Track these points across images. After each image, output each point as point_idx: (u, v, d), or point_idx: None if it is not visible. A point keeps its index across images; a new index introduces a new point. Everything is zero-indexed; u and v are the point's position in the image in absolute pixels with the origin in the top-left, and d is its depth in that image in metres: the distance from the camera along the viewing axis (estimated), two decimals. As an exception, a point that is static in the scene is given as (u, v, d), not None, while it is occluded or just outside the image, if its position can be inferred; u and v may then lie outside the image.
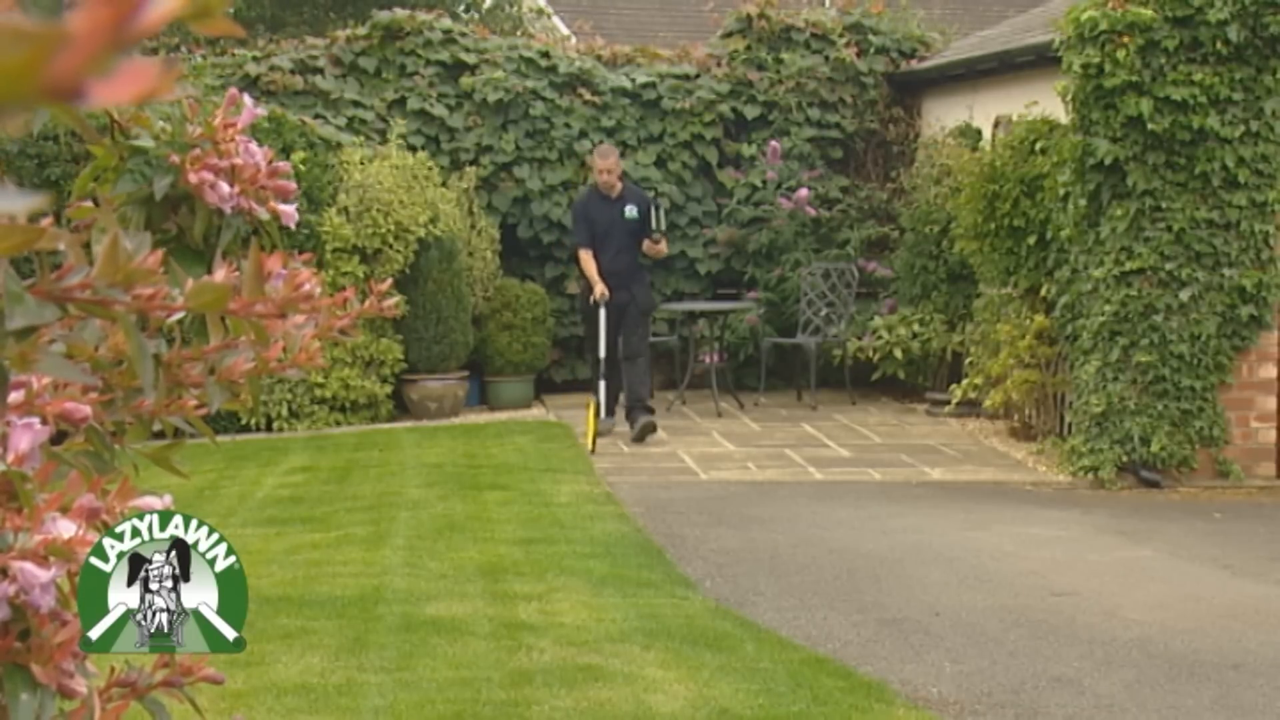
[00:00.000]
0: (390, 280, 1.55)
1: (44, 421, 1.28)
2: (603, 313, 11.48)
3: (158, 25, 0.69)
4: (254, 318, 1.23)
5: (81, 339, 1.26)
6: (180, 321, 1.37)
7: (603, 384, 11.59)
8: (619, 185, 11.72)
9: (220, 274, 1.26)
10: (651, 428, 11.54)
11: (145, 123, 1.59)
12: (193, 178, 1.55)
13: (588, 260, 11.53)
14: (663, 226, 11.53)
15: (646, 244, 11.58)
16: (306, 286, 1.24)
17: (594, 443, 11.05)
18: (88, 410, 1.30)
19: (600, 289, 11.41)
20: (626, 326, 11.59)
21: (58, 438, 1.35)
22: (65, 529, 1.25)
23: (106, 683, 1.42)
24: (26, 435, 1.26)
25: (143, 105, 1.60)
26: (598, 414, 11.24)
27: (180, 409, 1.39)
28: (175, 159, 1.58)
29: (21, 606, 1.24)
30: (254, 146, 1.59)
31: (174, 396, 1.38)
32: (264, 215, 1.60)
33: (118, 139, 1.59)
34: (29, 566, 1.21)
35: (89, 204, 1.57)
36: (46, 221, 1.14)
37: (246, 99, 1.62)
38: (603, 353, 11.52)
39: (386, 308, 1.42)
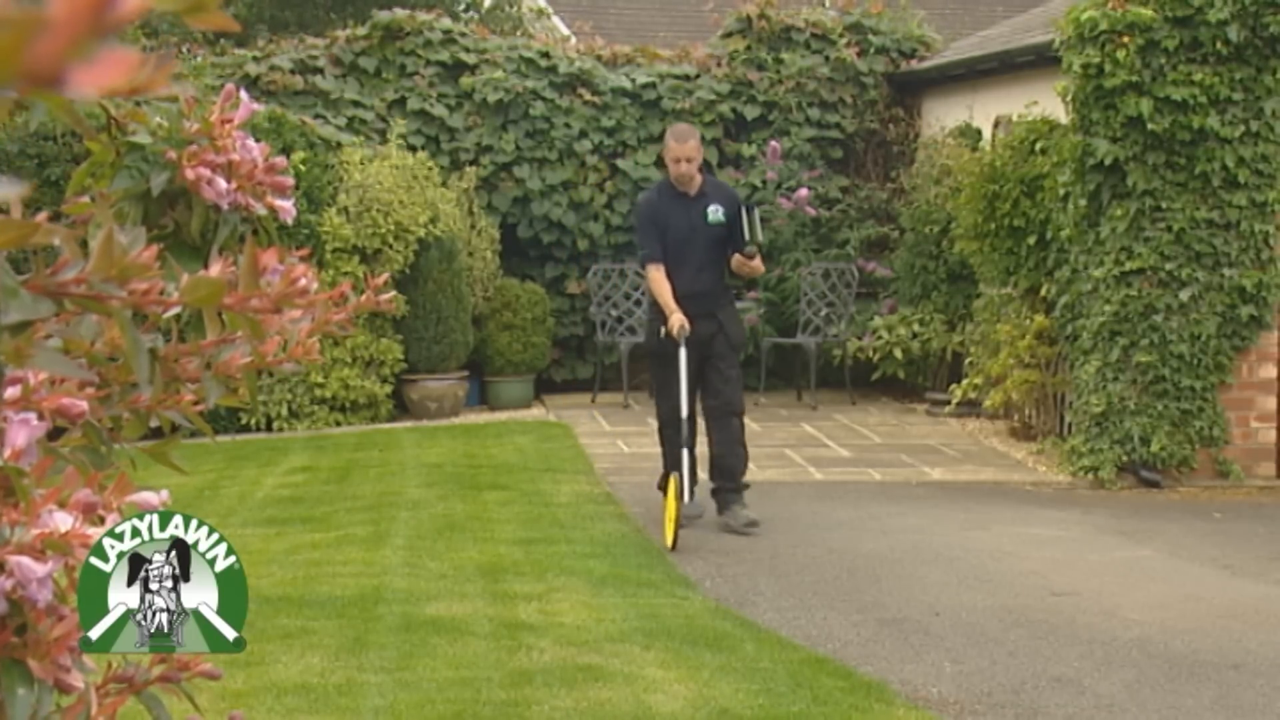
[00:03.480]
0: (387, 275, 1.55)
1: (41, 417, 1.28)
2: (683, 353, 8.31)
3: (137, 12, 0.69)
4: (249, 312, 1.23)
5: (78, 334, 1.26)
6: (177, 318, 1.37)
7: (685, 454, 8.32)
8: (699, 179, 8.62)
9: (216, 269, 1.26)
10: (754, 523, 8.57)
11: (142, 119, 1.59)
12: (189, 173, 1.55)
13: (660, 281, 8.45)
14: (759, 237, 8.41)
15: (736, 259, 8.47)
16: (302, 281, 1.24)
17: (675, 537, 8.05)
18: (84, 406, 1.30)
19: (678, 319, 8.28)
20: (713, 369, 8.52)
21: (54, 433, 1.34)
22: (62, 522, 1.25)
23: (104, 678, 1.42)
24: (23, 431, 1.26)
25: (140, 102, 1.60)
26: (679, 497, 8.11)
27: (177, 404, 1.39)
28: (172, 155, 1.58)
29: (18, 601, 1.24)
30: (251, 142, 1.59)
31: (171, 392, 1.37)
32: (261, 211, 1.60)
33: (114, 135, 1.59)
34: (26, 561, 1.21)
35: (85, 199, 1.57)
36: (42, 216, 1.14)
37: (243, 94, 1.62)
38: (685, 409, 8.33)
39: (383, 301, 1.42)
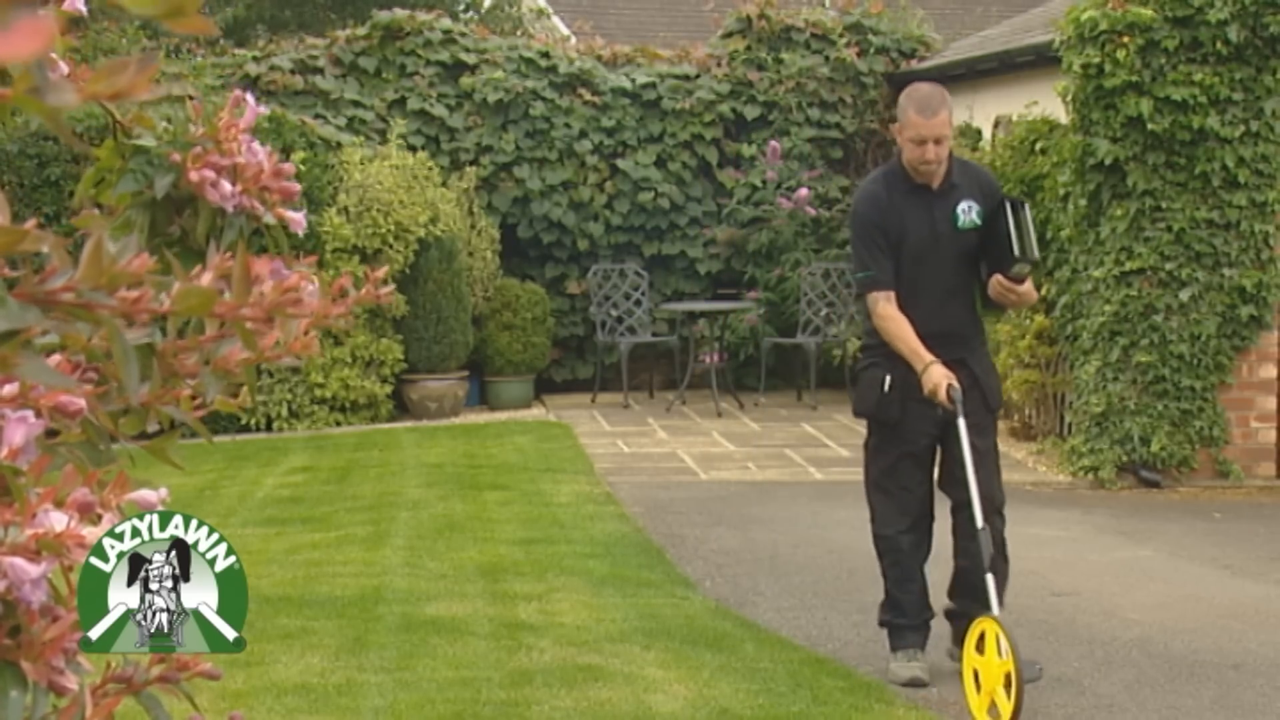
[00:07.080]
0: (386, 268, 1.54)
1: (38, 414, 1.28)
2: (963, 424, 5.63)
3: None
4: (241, 321, 1.22)
5: (74, 329, 1.25)
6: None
7: (991, 579, 5.52)
8: (943, 170, 5.82)
9: (208, 276, 1.25)
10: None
11: (148, 123, 1.58)
12: (194, 175, 1.54)
13: (897, 320, 5.75)
14: (1035, 251, 5.70)
15: (997, 283, 5.72)
16: (296, 293, 1.23)
17: (1017, 710, 5.18)
18: (82, 403, 1.29)
19: (941, 375, 5.61)
20: (973, 447, 5.66)
21: (52, 430, 1.34)
22: (58, 522, 1.24)
23: (103, 678, 1.42)
24: (21, 429, 1.25)
25: (144, 105, 1.60)
26: (1009, 645, 5.25)
27: (175, 399, 1.38)
28: (176, 158, 1.57)
29: (12, 602, 1.24)
30: (257, 145, 1.58)
31: (169, 387, 1.37)
32: (269, 219, 1.60)
33: (120, 139, 1.59)
34: (19, 562, 1.21)
35: (94, 212, 1.56)
36: (31, 224, 1.13)
37: (249, 98, 1.62)
38: (980, 516, 5.57)
39: (383, 295, 1.42)
